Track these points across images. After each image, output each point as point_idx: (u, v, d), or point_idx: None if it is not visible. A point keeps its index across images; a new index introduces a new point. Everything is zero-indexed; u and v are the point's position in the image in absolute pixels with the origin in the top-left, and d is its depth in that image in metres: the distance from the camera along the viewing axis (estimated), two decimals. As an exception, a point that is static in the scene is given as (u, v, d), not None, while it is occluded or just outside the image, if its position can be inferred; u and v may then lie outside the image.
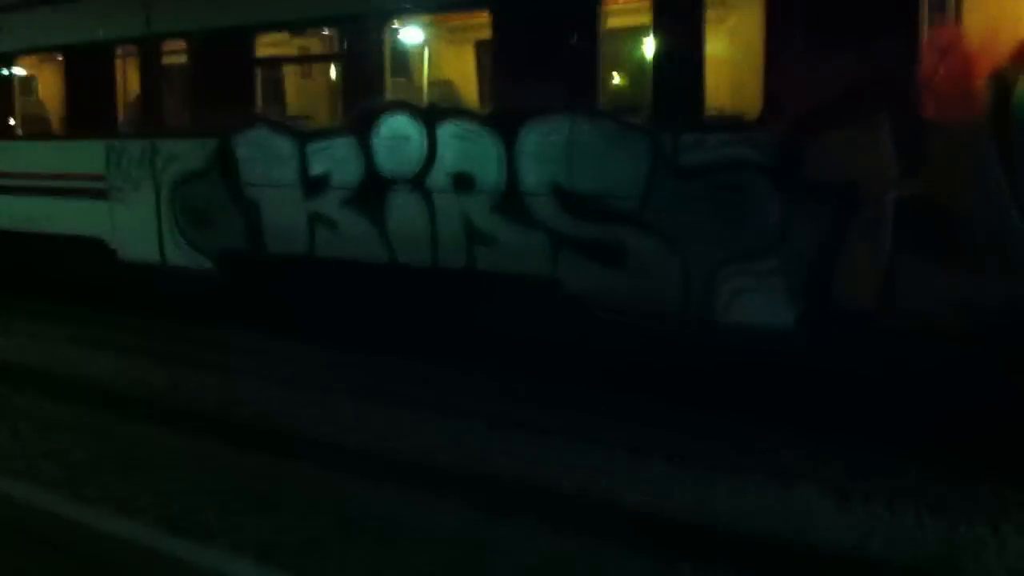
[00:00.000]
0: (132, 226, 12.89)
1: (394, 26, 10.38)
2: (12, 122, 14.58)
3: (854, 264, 7.68)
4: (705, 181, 8.23)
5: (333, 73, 10.98)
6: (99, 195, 13.21)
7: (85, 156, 13.30)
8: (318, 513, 7.29)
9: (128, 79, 13.02)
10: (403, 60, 10.75)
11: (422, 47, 11.55)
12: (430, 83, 11.27)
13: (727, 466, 7.92)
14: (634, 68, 8.96)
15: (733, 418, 8.66)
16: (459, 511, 7.26)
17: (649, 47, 8.55)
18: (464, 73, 11.66)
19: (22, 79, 14.69)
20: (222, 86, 11.64)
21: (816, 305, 7.90)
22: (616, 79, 8.80)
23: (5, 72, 14.47)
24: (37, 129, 14.82)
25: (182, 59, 12.32)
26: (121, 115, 12.97)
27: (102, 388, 10.70)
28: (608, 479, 7.80)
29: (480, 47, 10.51)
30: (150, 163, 12.47)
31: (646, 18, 8.58)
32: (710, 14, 8.21)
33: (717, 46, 8.27)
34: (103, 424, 9.47)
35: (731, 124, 8.20)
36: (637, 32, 9.03)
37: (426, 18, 10.56)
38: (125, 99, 13.04)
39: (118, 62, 12.93)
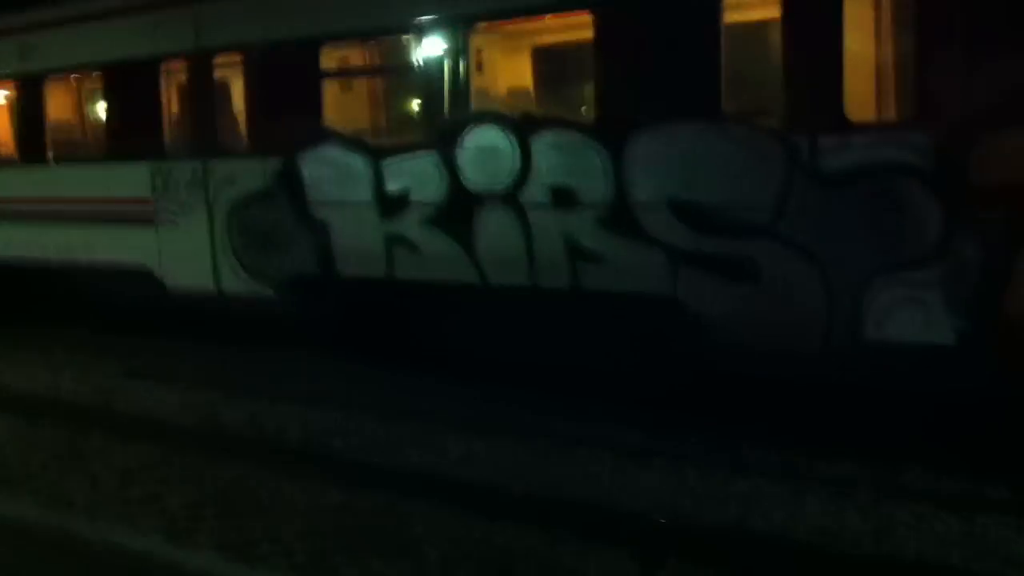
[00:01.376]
0: (182, 253, 12.23)
1: (478, 32, 9.79)
2: (43, 146, 13.82)
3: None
4: (850, 187, 7.69)
5: (408, 84, 10.41)
6: (143, 220, 12.53)
7: (127, 179, 12.62)
8: (462, 557, 6.74)
9: (175, 97, 12.36)
10: (488, 68, 10.16)
11: (509, 54, 10.97)
12: (517, 91, 10.67)
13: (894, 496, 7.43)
14: (762, 66, 8.44)
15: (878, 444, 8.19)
16: (611, 555, 6.67)
17: (779, 43, 7.99)
18: (555, 79, 11.10)
19: (54, 101, 13.95)
20: (284, 102, 11.03)
21: (982, 318, 7.36)
22: (741, 78, 8.27)
23: (35, 94, 13.75)
24: (71, 152, 14.12)
25: (237, 74, 11.67)
26: (169, 135, 12.29)
27: (173, 425, 10.09)
28: (765, 509, 7.28)
29: (576, 51, 9.96)
30: (203, 185, 11.83)
31: (775, 11, 8.04)
32: (849, 2, 7.67)
33: (859, 38, 7.71)
34: (188, 464, 8.84)
35: (879, 125, 7.65)
36: (764, 26, 8.51)
37: (513, 23, 9.97)
38: (173, 118, 12.36)
39: (164, 79, 12.26)
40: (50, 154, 13.73)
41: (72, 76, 13.94)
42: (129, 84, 12.55)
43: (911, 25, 7.50)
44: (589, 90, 9.27)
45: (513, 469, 8.33)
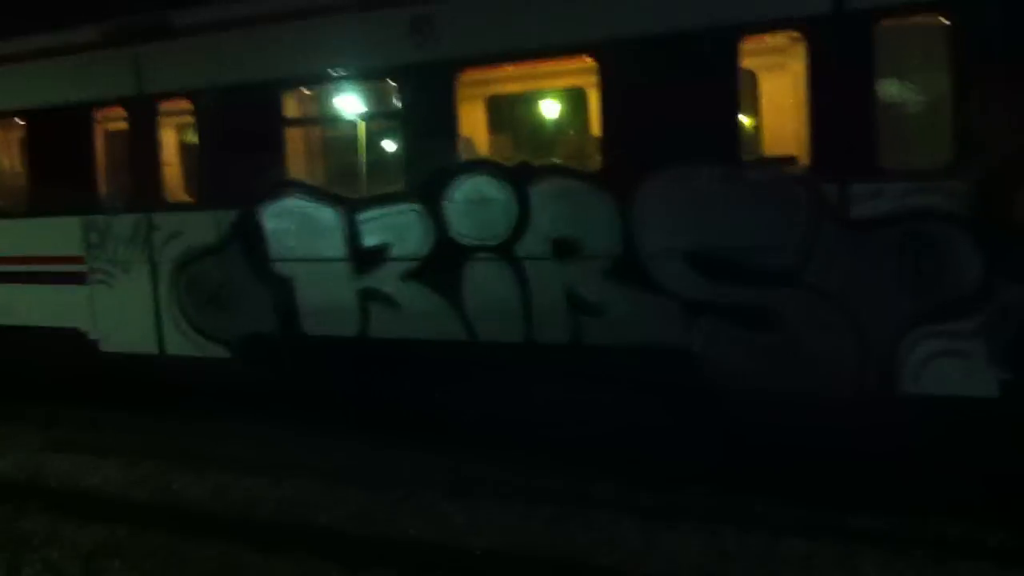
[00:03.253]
0: (120, 313, 11.25)
1: (467, 78, 9.32)
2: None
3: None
4: (884, 235, 7.48)
5: (388, 132, 9.80)
6: (74, 280, 11.50)
7: (55, 236, 11.59)
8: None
9: (112, 145, 11.43)
10: (478, 114, 9.64)
11: (506, 100, 10.49)
12: (511, 139, 10.16)
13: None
14: (783, 112, 8.20)
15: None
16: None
17: (804, 87, 7.76)
18: (554, 125, 10.66)
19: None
20: (241, 150, 10.27)
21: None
22: (761, 124, 8.00)
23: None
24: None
25: (185, 121, 10.86)
26: (105, 188, 11.34)
27: (126, 501, 9.08)
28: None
29: (577, 96, 9.55)
30: (145, 240, 10.93)
31: (798, 57, 7.82)
32: (879, 50, 7.50)
33: (889, 84, 7.56)
34: (159, 545, 7.92)
35: (914, 171, 7.46)
36: (783, 72, 8.26)
37: (506, 68, 9.51)
38: (109, 169, 11.41)
39: (98, 126, 11.34)
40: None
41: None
42: (57, 132, 11.56)
43: (944, 68, 7.37)
44: (593, 137, 8.86)
45: (529, 536, 7.72)
